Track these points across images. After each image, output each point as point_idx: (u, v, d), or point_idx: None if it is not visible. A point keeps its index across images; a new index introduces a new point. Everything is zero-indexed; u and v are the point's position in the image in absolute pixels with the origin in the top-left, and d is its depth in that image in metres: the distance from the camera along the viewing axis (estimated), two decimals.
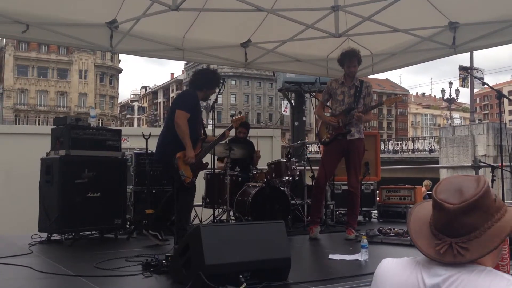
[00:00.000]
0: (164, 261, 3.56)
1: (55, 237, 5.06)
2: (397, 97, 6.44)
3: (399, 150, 31.73)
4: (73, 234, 5.08)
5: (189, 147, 4.67)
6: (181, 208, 4.84)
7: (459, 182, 1.25)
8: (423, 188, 12.57)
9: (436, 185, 1.32)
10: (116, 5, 5.66)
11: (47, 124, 47.86)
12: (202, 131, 5.10)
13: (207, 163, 5.11)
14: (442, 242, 1.24)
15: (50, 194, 5.13)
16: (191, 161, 4.69)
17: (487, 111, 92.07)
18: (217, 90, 5.12)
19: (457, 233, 1.23)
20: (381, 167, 7.71)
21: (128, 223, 5.74)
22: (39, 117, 57.16)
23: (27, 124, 51.90)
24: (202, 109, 5.47)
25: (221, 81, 5.10)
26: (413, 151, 31.48)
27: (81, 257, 4.34)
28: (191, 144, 4.70)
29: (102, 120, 56.69)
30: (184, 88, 75.82)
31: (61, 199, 5.00)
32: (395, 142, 34.42)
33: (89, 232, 5.39)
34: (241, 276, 2.92)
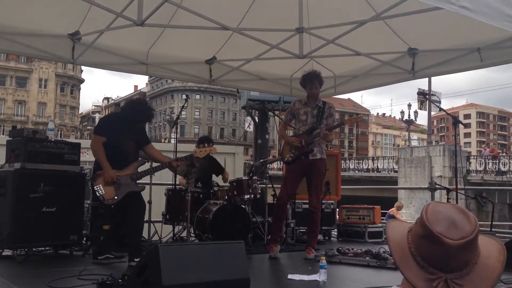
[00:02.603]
0: (120, 280, 3.48)
1: (7, 252, 4.88)
2: (358, 117, 6.62)
3: (369, 169, 32.34)
4: (26, 250, 4.90)
5: (106, 168, 4.66)
6: (128, 225, 4.77)
7: (450, 215, 1.20)
8: (394, 209, 12.82)
9: (424, 213, 1.22)
10: (79, 17, 5.58)
11: (3, 133, 46.34)
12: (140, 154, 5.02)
13: (143, 187, 4.99)
14: (437, 278, 1.19)
15: (2, 208, 4.95)
16: (110, 181, 4.66)
17: (443, 133, 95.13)
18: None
19: (451, 269, 1.19)
20: (342, 186, 7.83)
21: (85, 238, 5.59)
22: None
23: None
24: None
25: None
26: (373, 170, 32.20)
27: (33, 275, 4.20)
28: (109, 165, 4.66)
29: (61, 131, 55.33)
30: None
31: (14, 213, 4.83)
32: (355, 161, 35.10)
33: (43, 248, 5.22)
34: None
